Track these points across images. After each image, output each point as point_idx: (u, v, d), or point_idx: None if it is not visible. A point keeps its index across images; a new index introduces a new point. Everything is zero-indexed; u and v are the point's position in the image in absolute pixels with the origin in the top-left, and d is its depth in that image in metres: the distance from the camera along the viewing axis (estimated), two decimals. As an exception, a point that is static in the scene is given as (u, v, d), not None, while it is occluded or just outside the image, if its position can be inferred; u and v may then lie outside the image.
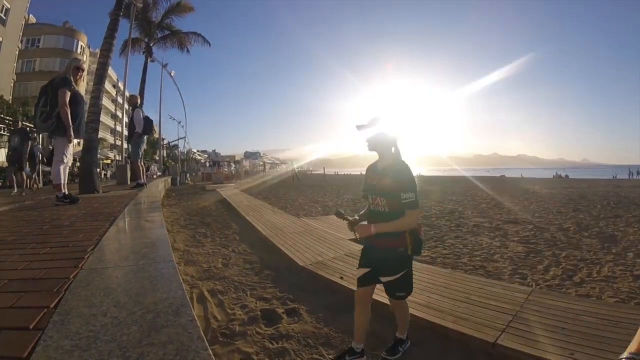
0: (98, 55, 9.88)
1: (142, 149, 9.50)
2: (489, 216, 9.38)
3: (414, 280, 2.38)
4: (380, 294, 3.46)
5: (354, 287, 3.64)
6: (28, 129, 10.22)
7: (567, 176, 43.56)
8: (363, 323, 2.44)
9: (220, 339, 2.79)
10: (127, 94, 14.87)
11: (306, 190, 18.61)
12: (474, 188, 19.36)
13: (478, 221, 8.60)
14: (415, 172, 2.37)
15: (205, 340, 1.13)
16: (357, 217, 2.36)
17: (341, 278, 3.93)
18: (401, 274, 2.23)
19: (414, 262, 3.62)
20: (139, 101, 9.31)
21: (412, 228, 2.17)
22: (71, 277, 1.79)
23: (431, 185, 22.30)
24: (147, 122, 9.03)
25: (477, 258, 5.37)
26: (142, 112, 9.03)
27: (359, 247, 5.23)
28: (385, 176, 2.18)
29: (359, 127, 2.21)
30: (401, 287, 2.30)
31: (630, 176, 43.73)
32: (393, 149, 2.23)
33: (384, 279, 2.29)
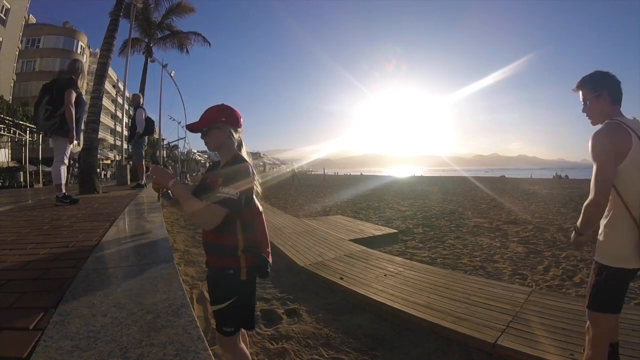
0: (98, 56, 9.87)
1: (144, 150, 9.48)
2: (489, 217, 9.38)
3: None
4: (378, 294, 3.47)
5: (355, 288, 3.67)
6: None
7: (566, 176, 43.54)
8: None
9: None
10: (127, 94, 14.85)
11: (306, 191, 18.62)
12: (474, 188, 19.37)
13: (478, 222, 8.60)
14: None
15: (205, 341, 1.13)
16: (174, 172, 1.79)
17: (341, 279, 3.92)
18: (227, 303, 1.67)
19: (413, 262, 3.58)
20: (141, 101, 9.26)
21: (213, 222, 1.57)
22: (71, 277, 1.79)
23: (431, 185, 22.32)
24: (149, 122, 9.00)
25: (477, 259, 5.37)
26: (145, 112, 9.00)
27: (360, 248, 5.24)
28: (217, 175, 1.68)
29: (188, 127, 1.77)
30: (228, 321, 1.72)
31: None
32: (236, 143, 1.77)
33: (212, 307, 1.76)
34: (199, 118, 1.74)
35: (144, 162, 9.48)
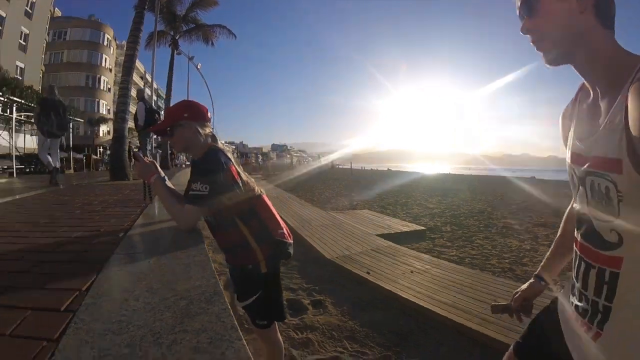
0: (125, 48, 10.06)
1: (149, 142, 9.62)
2: (519, 218, 9.07)
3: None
4: (404, 290, 3.39)
5: (381, 283, 3.59)
6: None
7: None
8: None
9: (246, 326, 2.78)
10: (155, 85, 15.11)
11: (333, 184, 18.55)
12: (503, 188, 18.82)
13: (507, 222, 8.33)
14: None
15: (239, 330, 1.09)
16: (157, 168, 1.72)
17: (368, 273, 3.86)
18: (253, 298, 1.63)
19: (440, 260, 3.45)
20: (144, 94, 9.43)
21: (188, 224, 1.53)
22: (103, 260, 1.79)
23: (459, 183, 21.85)
24: (150, 113, 9.07)
25: (506, 260, 5.18)
26: (146, 104, 9.13)
27: (387, 244, 5.15)
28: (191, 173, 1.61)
29: (153, 129, 1.70)
30: (258, 315, 1.69)
31: None
32: (209, 139, 1.67)
33: (239, 304, 1.72)
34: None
35: (147, 156, 9.67)
